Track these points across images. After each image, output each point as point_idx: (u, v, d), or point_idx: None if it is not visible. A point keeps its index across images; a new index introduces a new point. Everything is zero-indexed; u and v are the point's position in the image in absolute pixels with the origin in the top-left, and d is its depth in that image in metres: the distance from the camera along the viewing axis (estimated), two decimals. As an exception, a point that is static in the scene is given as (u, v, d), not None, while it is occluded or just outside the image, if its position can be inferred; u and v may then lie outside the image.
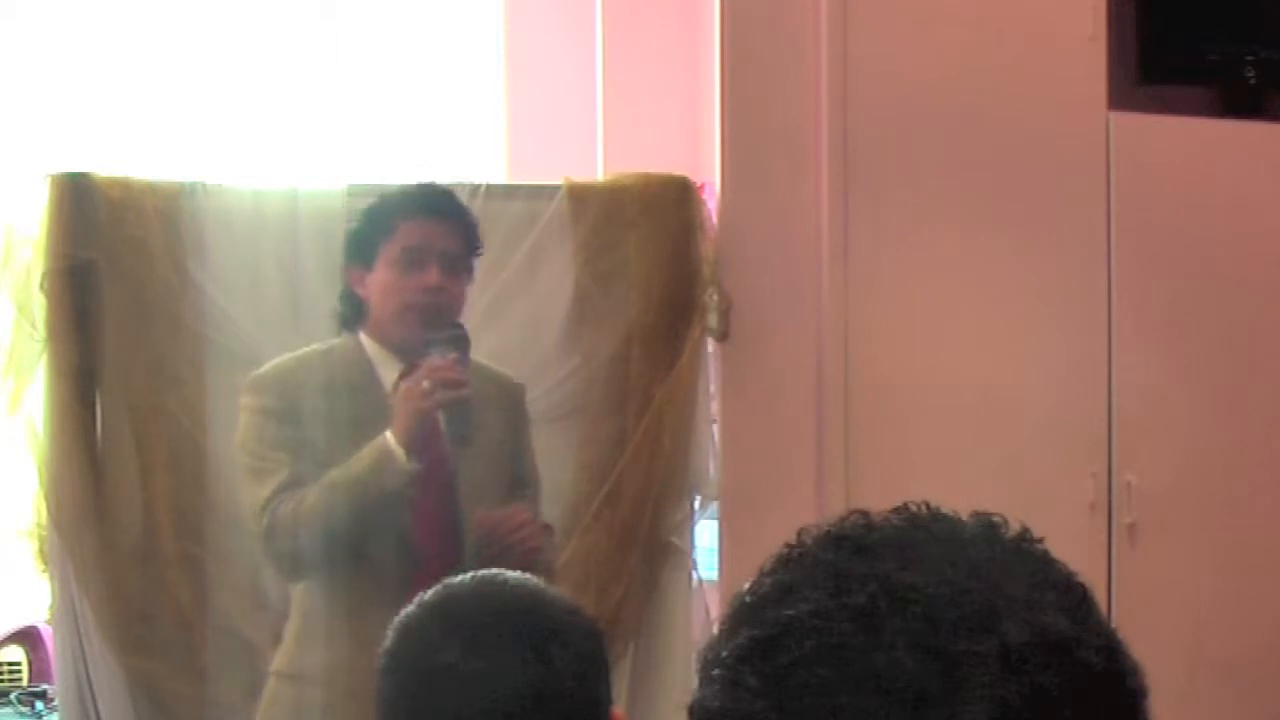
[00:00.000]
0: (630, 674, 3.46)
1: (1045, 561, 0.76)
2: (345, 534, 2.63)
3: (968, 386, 3.69)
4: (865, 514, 0.78)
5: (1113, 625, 0.77)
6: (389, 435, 2.61)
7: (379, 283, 2.75)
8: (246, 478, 2.73)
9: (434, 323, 2.73)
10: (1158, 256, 3.82)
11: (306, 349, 2.85)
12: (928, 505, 0.79)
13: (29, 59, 3.79)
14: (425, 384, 2.61)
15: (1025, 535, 0.78)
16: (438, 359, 2.65)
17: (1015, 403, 3.70)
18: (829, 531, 0.77)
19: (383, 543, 2.66)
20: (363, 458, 2.62)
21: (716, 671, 0.75)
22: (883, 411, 3.64)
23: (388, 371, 2.77)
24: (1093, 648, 0.72)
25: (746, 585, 0.77)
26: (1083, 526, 3.69)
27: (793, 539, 0.78)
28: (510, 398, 2.95)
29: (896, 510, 0.78)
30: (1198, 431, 3.82)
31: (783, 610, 0.73)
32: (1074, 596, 0.75)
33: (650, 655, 3.51)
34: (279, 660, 2.80)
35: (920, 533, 0.76)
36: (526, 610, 1.44)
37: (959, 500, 0.84)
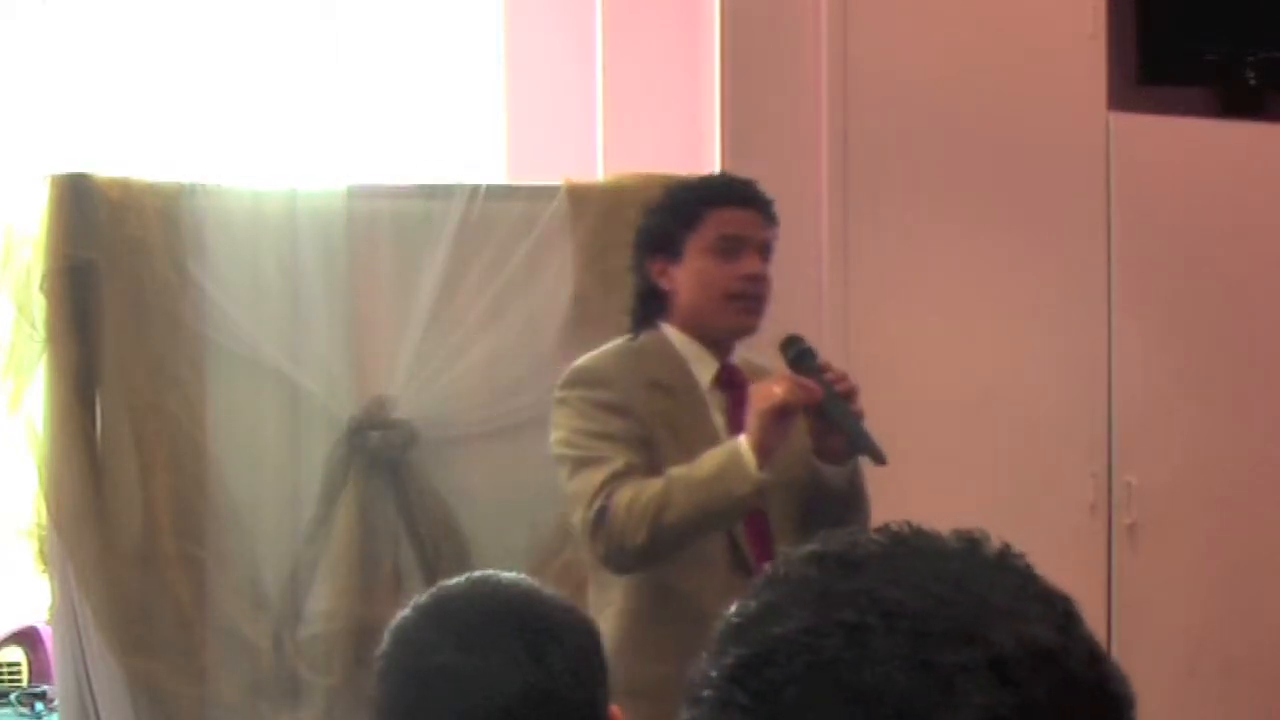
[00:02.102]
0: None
1: (1028, 575, 0.77)
2: (681, 534, 2.48)
3: (968, 386, 3.69)
4: (850, 531, 0.79)
5: (1108, 628, 0.77)
6: (742, 440, 2.47)
7: (692, 273, 2.63)
8: (573, 468, 2.58)
9: (756, 310, 2.64)
10: (1158, 257, 3.82)
11: (614, 344, 2.72)
12: (909, 524, 0.79)
13: (29, 59, 3.79)
14: (777, 389, 2.48)
15: (1007, 550, 0.78)
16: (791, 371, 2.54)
17: (1015, 403, 3.70)
18: (813, 550, 0.77)
19: (714, 546, 2.54)
20: (713, 458, 2.48)
21: (706, 692, 0.74)
22: (882, 411, 3.63)
23: (701, 367, 2.67)
24: (1079, 658, 0.72)
25: (733, 607, 0.77)
26: (1083, 526, 3.68)
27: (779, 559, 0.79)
28: None
29: (879, 529, 0.79)
30: (1198, 431, 3.82)
31: (771, 629, 0.73)
32: (1058, 608, 0.75)
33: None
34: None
35: (903, 548, 0.77)
36: (521, 610, 1.44)
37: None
